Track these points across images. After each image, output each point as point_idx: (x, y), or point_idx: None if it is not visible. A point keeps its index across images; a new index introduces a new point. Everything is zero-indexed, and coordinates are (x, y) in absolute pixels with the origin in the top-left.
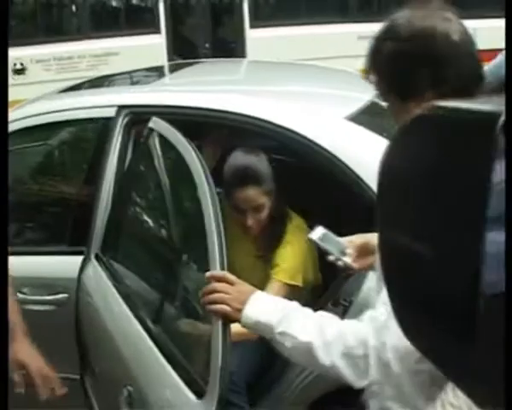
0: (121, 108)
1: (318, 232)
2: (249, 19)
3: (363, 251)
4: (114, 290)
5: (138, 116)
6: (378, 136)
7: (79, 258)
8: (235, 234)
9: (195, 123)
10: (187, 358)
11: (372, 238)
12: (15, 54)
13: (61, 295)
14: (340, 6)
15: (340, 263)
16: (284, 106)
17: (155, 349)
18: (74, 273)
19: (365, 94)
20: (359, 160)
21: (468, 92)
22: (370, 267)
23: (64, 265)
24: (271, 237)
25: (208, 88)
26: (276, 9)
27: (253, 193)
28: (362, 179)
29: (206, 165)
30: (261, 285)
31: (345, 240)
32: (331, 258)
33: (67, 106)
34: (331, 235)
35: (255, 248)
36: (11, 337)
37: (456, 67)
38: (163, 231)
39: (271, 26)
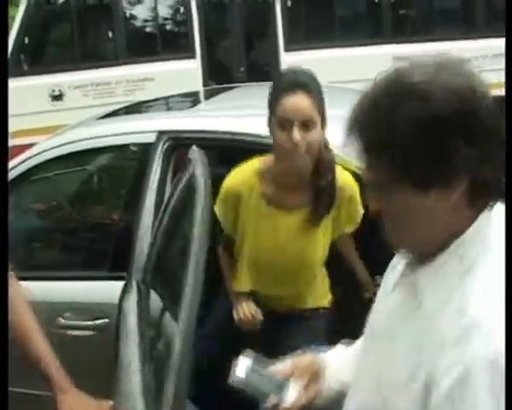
0: (161, 133)
1: (242, 367)
2: (283, 42)
3: (313, 375)
4: (152, 318)
5: (178, 141)
6: None
7: (120, 283)
8: (276, 206)
9: (235, 148)
10: None
11: (316, 357)
12: (53, 80)
13: (101, 321)
14: (373, 27)
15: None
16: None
17: None
18: (115, 299)
19: None
20: None
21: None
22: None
23: (104, 290)
24: (323, 190)
25: (247, 112)
26: (310, 32)
27: (303, 101)
28: None
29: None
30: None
31: (281, 367)
32: (266, 405)
33: (107, 132)
34: (260, 364)
35: (303, 212)
36: (54, 390)
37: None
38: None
39: (306, 49)
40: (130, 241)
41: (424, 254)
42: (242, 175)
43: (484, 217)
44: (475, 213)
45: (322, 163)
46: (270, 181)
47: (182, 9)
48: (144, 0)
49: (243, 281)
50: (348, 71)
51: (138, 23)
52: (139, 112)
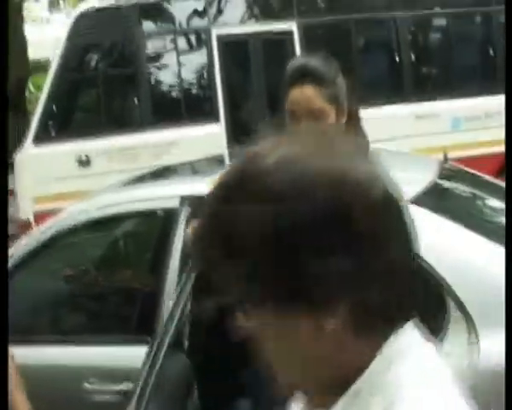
0: (184, 198)
1: None
2: None
3: None
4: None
5: (201, 206)
6: (443, 218)
7: (144, 348)
8: None
9: None
10: None
11: None
12: (81, 146)
13: (125, 385)
14: (395, 86)
15: None
16: None
17: None
18: (140, 363)
19: (426, 175)
20: (425, 243)
21: None
22: None
23: (130, 354)
24: None
25: None
26: None
27: (309, 92)
28: (429, 264)
29: None
30: None
31: None
32: None
33: (131, 198)
34: None
35: None
36: None
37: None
38: None
39: None
40: (154, 305)
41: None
42: None
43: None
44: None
45: None
46: None
47: (205, 74)
48: (168, 66)
49: None
50: (369, 131)
51: (163, 89)
52: (163, 176)
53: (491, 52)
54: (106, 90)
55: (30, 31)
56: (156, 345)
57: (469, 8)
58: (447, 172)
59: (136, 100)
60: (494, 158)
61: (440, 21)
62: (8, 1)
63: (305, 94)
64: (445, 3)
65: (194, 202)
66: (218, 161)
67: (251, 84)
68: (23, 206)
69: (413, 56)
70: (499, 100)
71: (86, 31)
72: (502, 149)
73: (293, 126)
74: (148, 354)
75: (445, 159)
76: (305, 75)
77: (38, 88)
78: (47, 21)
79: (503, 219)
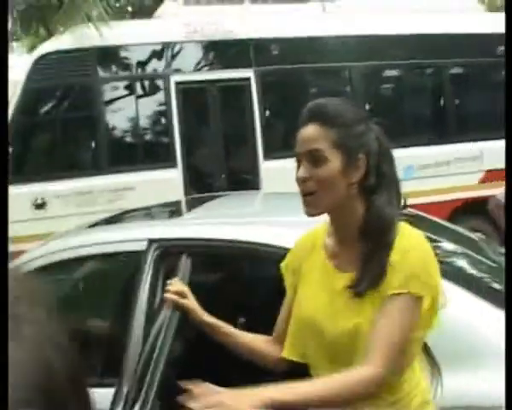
0: (152, 241)
1: None
2: (263, 150)
3: None
4: None
5: (169, 249)
6: None
7: (110, 390)
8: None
9: (225, 255)
10: None
11: None
12: (36, 189)
13: None
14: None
15: None
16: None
17: None
18: (105, 406)
19: None
20: None
21: None
22: None
23: (95, 398)
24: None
25: (230, 221)
26: (289, 140)
27: (311, 131)
28: None
29: None
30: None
31: None
32: None
33: (96, 240)
34: None
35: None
36: None
37: None
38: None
39: (285, 158)
40: (120, 348)
41: None
42: (315, 228)
43: None
44: None
45: (368, 214)
46: (330, 231)
47: (163, 119)
48: (126, 110)
49: (290, 347)
50: None
51: (120, 133)
52: (126, 221)
53: (442, 103)
54: (63, 133)
55: None
56: (126, 388)
57: (421, 60)
58: (406, 218)
59: (93, 144)
60: (445, 204)
61: (392, 72)
62: (7, 1)
63: (307, 133)
64: (396, 55)
65: (161, 246)
66: (177, 206)
67: (208, 130)
68: None
69: (367, 106)
70: (448, 149)
71: (44, 74)
72: (451, 196)
73: (297, 177)
74: (114, 398)
75: (404, 205)
76: (312, 114)
77: None
78: None
79: (458, 261)
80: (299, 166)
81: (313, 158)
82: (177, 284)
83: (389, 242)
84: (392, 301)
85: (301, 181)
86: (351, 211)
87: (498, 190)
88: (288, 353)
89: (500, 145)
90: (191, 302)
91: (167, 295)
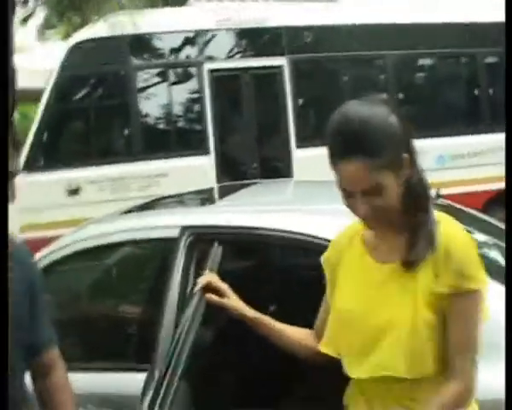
0: (185, 228)
1: None
2: (295, 138)
3: None
4: None
5: (201, 237)
6: None
7: (143, 375)
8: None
9: (257, 243)
10: None
11: None
12: (70, 175)
13: None
14: None
15: None
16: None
17: None
18: (138, 391)
19: None
20: None
21: None
22: None
23: (127, 382)
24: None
25: (263, 208)
26: (321, 129)
27: (359, 168)
28: None
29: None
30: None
31: None
32: None
33: (130, 227)
34: None
35: (396, 264)
36: None
37: None
38: None
39: (317, 146)
40: (153, 334)
41: None
42: (355, 221)
43: None
44: None
45: (413, 203)
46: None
47: (196, 107)
48: (159, 98)
49: (329, 341)
50: None
51: (153, 120)
52: (159, 207)
53: (475, 92)
54: (97, 120)
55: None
56: (158, 373)
57: (455, 48)
58: (438, 208)
59: (126, 131)
60: (478, 195)
61: (426, 61)
62: (7, 1)
63: (354, 172)
64: (431, 44)
65: (194, 233)
66: (211, 193)
67: (241, 118)
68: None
69: (400, 94)
70: (482, 139)
71: (79, 61)
72: (484, 186)
73: (347, 202)
74: (148, 382)
75: (438, 195)
76: (351, 147)
77: (25, 117)
78: (33, 50)
79: (490, 253)
80: (349, 196)
81: (370, 192)
82: (213, 279)
83: (429, 207)
84: (461, 300)
85: (365, 217)
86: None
87: None
88: (326, 347)
89: None
90: (231, 301)
91: (208, 296)
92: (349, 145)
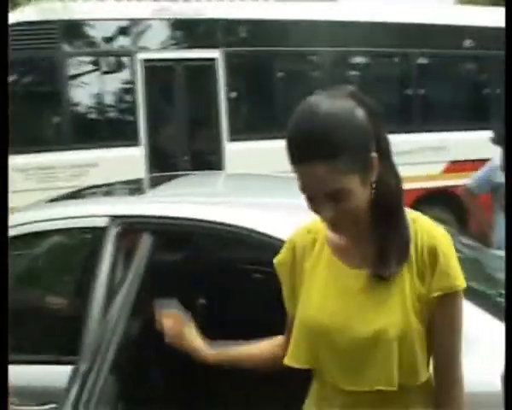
0: (113, 218)
1: None
2: (227, 132)
3: None
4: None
5: (130, 227)
6: None
7: (68, 368)
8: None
9: (185, 233)
10: None
11: None
12: None
13: (49, 406)
14: None
15: None
16: (266, 215)
17: None
18: (63, 383)
19: None
20: None
21: None
22: None
23: (53, 375)
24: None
25: (195, 199)
26: (253, 123)
27: (319, 173)
28: None
29: None
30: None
31: None
32: None
33: (58, 215)
34: None
35: (370, 270)
36: None
37: None
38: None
39: (249, 140)
40: (80, 326)
41: None
42: (314, 220)
43: None
44: None
45: (382, 207)
46: None
47: (127, 97)
48: (91, 86)
49: (295, 353)
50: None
51: (84, 109)
52: (87, 197)
53: (407, 92)
54: (25, 107)
55: None
56: (85, 365)
57: (389, 48)
58: None
59: (56, 119)
60: (408, 193)
61: (360, 59)
62: (8, 1)
63: (315, 176)
64: (364, 42)
65: (123, 222)
66: (140, 184)
67: (173, 110)
68: None
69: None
70: (413, 138)
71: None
72: (414, 185)
73: (309, 206)
74: (74, 375)
75: None
76: (311, 150)
77: None
78: None
79: None
80: (311, 200)
81: (332, 197)
82: (174, 316)
83: (402, 213)
84: (451, 301)
85: (330, 221)
86: (364, 203)
87: (461, 181)
88: (290, 360)
89: (464, 137)
90: (193, 343)
91: (168, 336)
92: (308, 147)
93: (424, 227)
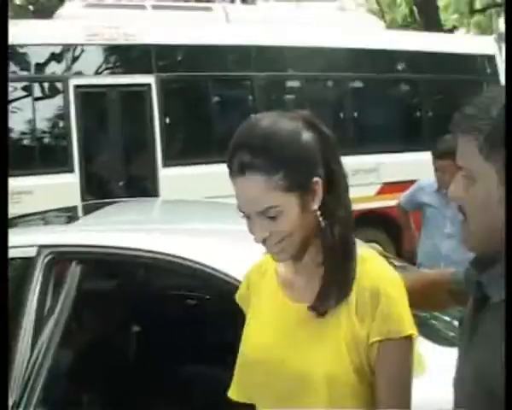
0: (42, 247)
1: None
2: (162, 157)
3: None
4: None
5: (59, 256)
6: None
7: None
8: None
9: (117, 262)
10: None
11: None
12: None
13: None
14: None
15: None
16: (197, 242)
17: None
18: None
19: None
20: None
21: None
22: None
23: None
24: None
25: (125, 227)
26: (187, 148)
27: (253, 187)
28: None
29: None
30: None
31: None
32: None
33: None
34: None
35: (295, 295)
36: None
37: None
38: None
39: (184, 165)
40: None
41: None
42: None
43: None
44: None
45: (329, 239)
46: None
47: (61, 123)
48: (23, 112)
49: (235, 387)
50: (226, 186)
51: (16, 135)
52: (17, 225)
53: (342, 115)
54: None
55: None
56: (12, 400)
57: (323, 72)
58: None
59: None
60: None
61: (295, 83)
62: (8, 1)
63: (249, 190)
64: (298, 67)
65: (52, 252)
66: (73, 211)
67: (107, 135)
68: None
69: None
70: (346, 161)
71: None
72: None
73: (248, 228)
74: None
75: None
76: (246, 163)
77: None
78: None
79: None
80: (248, 218)
81: (266, 215)
82: None
83: (349, 248)
84: (392, 347)
85: (261, 242)
86: (306, 230)
87: (394, 202)
88: (232, 393)
89: (397, 159)
90: None
91: None
92: (245, 158)
93: (372, 267)
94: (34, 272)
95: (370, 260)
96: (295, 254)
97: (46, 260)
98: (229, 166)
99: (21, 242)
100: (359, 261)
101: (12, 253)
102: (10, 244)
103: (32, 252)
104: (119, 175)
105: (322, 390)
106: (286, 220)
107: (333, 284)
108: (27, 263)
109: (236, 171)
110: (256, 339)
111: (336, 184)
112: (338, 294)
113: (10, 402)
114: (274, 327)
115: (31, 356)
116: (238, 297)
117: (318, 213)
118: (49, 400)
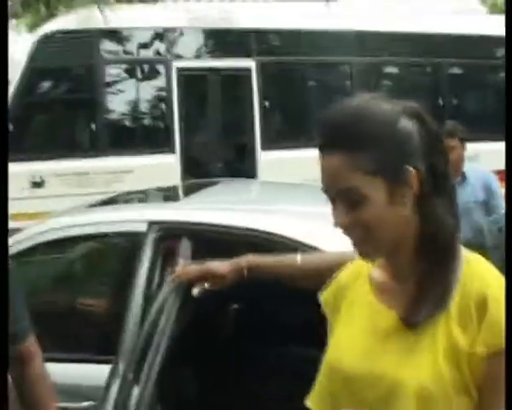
0: (152, 223)
1: None
2: (261, 140)
3: None
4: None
5: (168, 232)
6: None
7: (107, 367)
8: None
9: (223, 240)
10: None
11: None
12: (35, 167)
13: (86, 403)
14: None
15: None
16: (304, 225)
17: None
18: (100, 382)
19: None
20: None
21: None
22: None
23: (92, 373)
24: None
25: (231, 207)
26: (286, 132)
27: (336, 163)
28: None
29: None
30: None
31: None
32: None
33: (96, 220)
34: None
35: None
36: None
37: None
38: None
39: (282, 149)
40: (118, 326)
41: None
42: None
43: None
44: None
45: (430, 243)
46: (380, 263)
47: (163, 105)
48: (127, 94)
49: (317, 396)
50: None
51: (119, 116)
52: (122, 202)
53: (441, 101)
54: (63, 114)
55: None
56: (123, 366)
57: (420, 58)
58: None
59: (92, 125)
60: None
61: (393, 69)
62: (7, 1)
63: (332, 167)
64: (396, 52)
65: (161, 228)
66: (176, 190)
67: (207, 118)
68: None
69: None
70: None
71: (47, 53)
72: None
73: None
74: (113, 375)
75: None
76: (333, 138)
77: None
78: None
79: None
80: (331, 202)
81: (348, 198)
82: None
83: (453, 258)
84: (498, 360)
85: (342, 227)
86: (404, 233)
87: None
88: (312, 402)
89: (495, 147)
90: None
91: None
92: (332, 137)
93: (478, 270)
94: (144, 247)
95: (474, 263)
96: (383, 253)
97: (155, 236)
98: (318, 144)
99: (132, 217)
100: (463, 264)
101: (121, 227)
102: (119, 219)
103: (140, 227)
104: (217, 157)
105: (412, 405)
106: (370, 209)
107: (429, 294)
108: (137, 238)
109: (320, 147)
110: (345, 348)
111: (442, 185)
112: (433, 307)
113: (121, 369)
114: (365, 335)
115: (141, 329)
116: (323, 300)
117: (418, 214)
118: (157, 369)
